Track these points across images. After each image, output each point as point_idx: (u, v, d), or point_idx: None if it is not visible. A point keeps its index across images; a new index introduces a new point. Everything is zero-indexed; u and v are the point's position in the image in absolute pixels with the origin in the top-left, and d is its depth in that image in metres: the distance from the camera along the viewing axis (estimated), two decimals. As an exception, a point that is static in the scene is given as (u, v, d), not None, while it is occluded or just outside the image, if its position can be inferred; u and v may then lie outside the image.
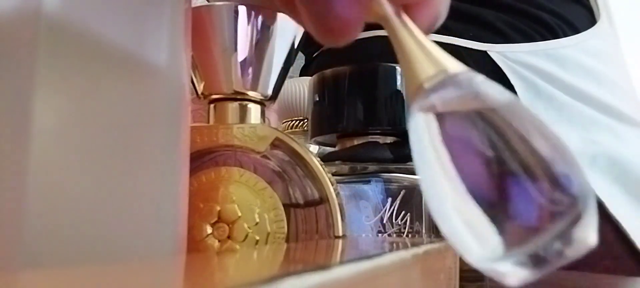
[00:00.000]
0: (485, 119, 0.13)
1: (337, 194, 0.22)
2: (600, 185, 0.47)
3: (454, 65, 0.14)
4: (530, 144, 0.12)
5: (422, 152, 0.13)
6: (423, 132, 0.13)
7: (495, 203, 0.12)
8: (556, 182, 0.12)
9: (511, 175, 0.12)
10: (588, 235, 0.12)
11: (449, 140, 0.13)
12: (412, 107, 0.14)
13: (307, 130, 0.35)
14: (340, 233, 0.22)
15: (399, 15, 0.16)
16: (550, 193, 0.12)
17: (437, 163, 0.13)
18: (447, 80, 0.14)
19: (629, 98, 0.56)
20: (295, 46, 0.25)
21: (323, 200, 0.22)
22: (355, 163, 0.30)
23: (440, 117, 0.13)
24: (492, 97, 0.13)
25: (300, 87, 0.50)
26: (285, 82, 0.25)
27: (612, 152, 0.49)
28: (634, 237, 0.46)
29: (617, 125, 0.52)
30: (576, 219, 0.12)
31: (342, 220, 0.22)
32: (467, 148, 0.13)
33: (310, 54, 0.62)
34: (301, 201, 0.22)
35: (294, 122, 0.48)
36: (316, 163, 0.22)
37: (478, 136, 0.12)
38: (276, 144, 0.22)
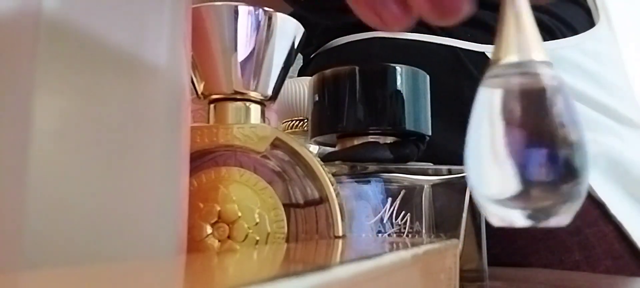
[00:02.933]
0: (534, 95, 0.16)
1: (337, 194, 0.22)
2: (602, 186, 0.48)
3: (538, 55, 0.16)
4: (561, 126, 0.15)
5: (478, 118, 0.16)
6: (485, 102, 0.16)
7: (518, 166, 0.15)
8: (568, 166, 0.15)
9: (539, 146, 0.15)
10: (565, 219, 0.15)
11: (503, 112, 0.16)
12: (484, 77, 0.16)
13: (307, 130, 0.35)
14: (340, 233, 0.22)
15: None
16: (559, 173, 0.15)
17: (488, 129, 0.16)
18: (522, 65, 0.16)
19: (628, 100, 0.56)
20: (295, 46, 0.25)
21: (323, 200, 0.22)
22: (355, 163, 0.30)
23: (504, 91, 0.16)
24: (546, 80, 0.16)
25: (300, 87, 0.50)
26: (285, 82, 0.25)
27: (613, 153, 0.49)
28: (634, 237, 0.46)
29: (617, 126, 0.52)
30: (564, 201, 0.15)
31: (342, 220, 0.22)
32: (514, 119, 0.16)
33: (308, 54, 0.62)
34: (301, 201, 0.22)
35: (294, 122, 0.48)
36: (316, 163, 0.22)
37: (525, 109, 0.16)
38: (276, 143, 0.22)
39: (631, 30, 0.65)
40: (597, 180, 0.48)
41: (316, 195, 0.22)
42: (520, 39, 0.16)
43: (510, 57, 0.16)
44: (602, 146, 0.50)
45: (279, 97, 0.25)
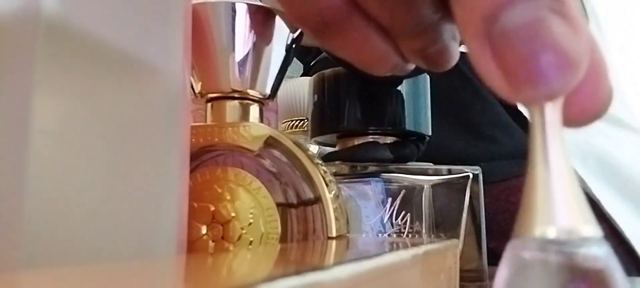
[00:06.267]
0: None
1: (337, 195, 0.22)
2: (594, 184, 0.48)
3: (587, 228, 0.12)
4: None
5: None
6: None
7: None
8: None
9: None
10: None
11: None
12: (510, 248, 0.13)
13: (307, 130, 0.35)
14: (334, 234, 0.21)
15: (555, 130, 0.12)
16: None
17: None
18: (565, 243, 0.11)
19: (618, 100, 0.56)
20: (294, 45, 0.25)
21: (317, 199, 0.22)
22: (355, 163, 0.30)
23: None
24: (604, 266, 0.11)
25: (300, 87, 0.50)
26: (286, 82, 0.25)
27: (602, 154, 0.50)
28: (627, 235, 0.47)
29: (607, 127, 0.53)
30: None
31: (337, 220, 0.22)
32: None
33: (308, 63, 0.63)
34: (295, 201, 0.22)
35: (294, 122, 0.48)
36: (310, 162, 0.22)
37: None
38: (270, 142, 0.22)
39: (621, 32, 0.65)
40: (589, 178, 0.48)
41: (310, 195, 0.22)
42: (558, 205, 0.12)
43: (546, 229, 0.12)
44: (593, 147, 0.50)
45: (279, 97, 0.25)
